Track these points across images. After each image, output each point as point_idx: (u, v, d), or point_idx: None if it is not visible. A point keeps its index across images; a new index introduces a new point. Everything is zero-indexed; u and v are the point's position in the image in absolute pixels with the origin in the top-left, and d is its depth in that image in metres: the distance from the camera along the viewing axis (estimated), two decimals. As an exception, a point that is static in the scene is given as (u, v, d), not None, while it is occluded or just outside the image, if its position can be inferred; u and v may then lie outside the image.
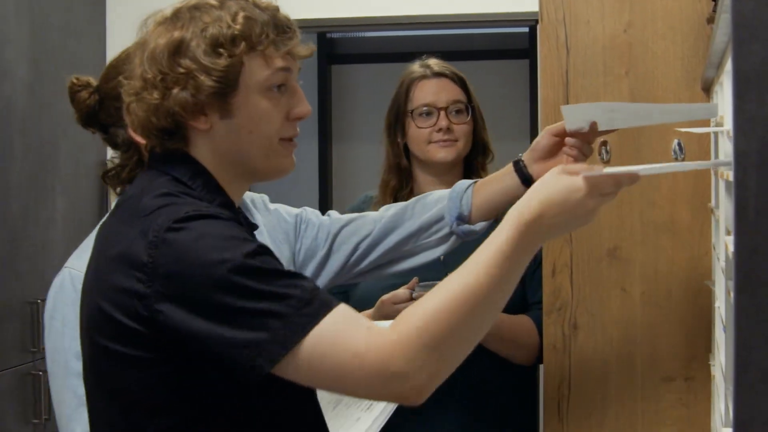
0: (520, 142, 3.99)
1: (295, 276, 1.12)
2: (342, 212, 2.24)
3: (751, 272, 0.90)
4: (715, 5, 1.60)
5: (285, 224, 1.74)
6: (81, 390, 1.48)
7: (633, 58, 2.01)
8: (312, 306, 1.08)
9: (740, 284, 0.91)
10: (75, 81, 1.64)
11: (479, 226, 1.66)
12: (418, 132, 2.04)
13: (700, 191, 1.99)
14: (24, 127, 2.61)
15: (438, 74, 2.05)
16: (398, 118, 2.08)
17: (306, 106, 1.26)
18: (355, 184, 4.35)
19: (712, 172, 1.91)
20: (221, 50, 1.18)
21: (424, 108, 2.04)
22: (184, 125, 1.21)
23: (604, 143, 2.02)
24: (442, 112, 2.02)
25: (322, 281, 1.70)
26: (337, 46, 4.34)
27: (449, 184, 2.07)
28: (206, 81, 1.17)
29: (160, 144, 1.23)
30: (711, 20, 1.79)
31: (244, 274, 1.09)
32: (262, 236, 1.68)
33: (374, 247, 1.69)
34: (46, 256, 2.66)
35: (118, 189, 1.64)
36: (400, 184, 2.09)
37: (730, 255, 1.07)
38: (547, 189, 1.12)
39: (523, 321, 2.01)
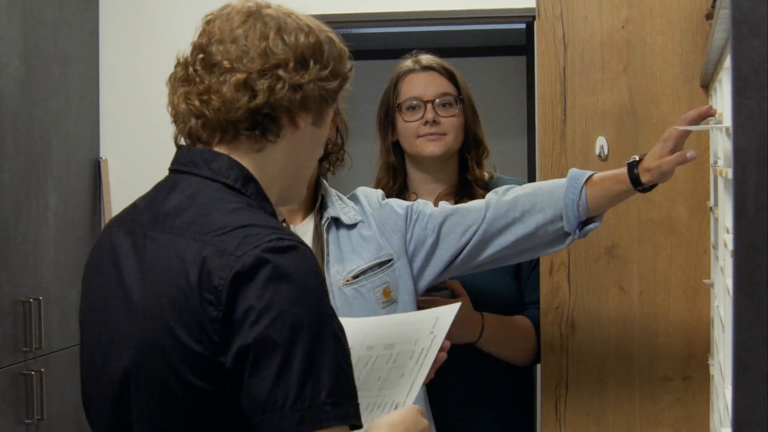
0: (516, 138, 3.98)
1: (348, 370, 1.09)
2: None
3: (751, 270, 0.90)
4: (714, 1, 1.58)
5: (395, 216, 1.79)
6: None
7: (631, 55, 1.99)
8: (339, 408, 1.06)
9: (739, 283, 0.90)
10: None
11: (599, 220, 1.71)
12: (405, 126, 2.02)
13: (698, 189, 1.98)
14: (16, 123, 2.59)
15: (426, 68, 2.03)
16: (388, 113, 2.06)
17: (322, 148, 1.30)
18: (349, 180, 4.33)
19: (711, 171, 1.89)
20: (347, 63, 1.26)
21: (411, 101, 2.02)
22: (289, 118, 1.20)
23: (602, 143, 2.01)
24: (429, 105, 2.00)
25: (433, 269, 1.77)
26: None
27: (442, 181, 2.06)
28: (333, 84, 1.22)
29: (259, 128, 1.18)
30: (710, 16, 1.78)
31: (339, 329, 1.09)
32: (371, 227, 1.75)
33: (489, 242, 1.75)
34: (38, 254, 2.64)
35: None
36: (391, 180, 2.07)
37: (729, 253, 1.05)
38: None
39: (521, 321, 2.00)
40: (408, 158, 2.07)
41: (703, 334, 1.97)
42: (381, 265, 1.73)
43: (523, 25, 3.67)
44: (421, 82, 2.02)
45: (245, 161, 1.19)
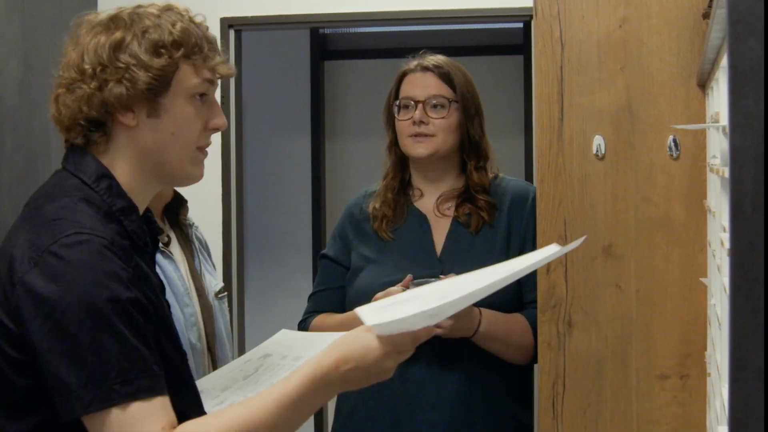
0: (514, 137, 3.98)
1: (136, 348, 1.18)
2: (337, 209, 2.24)
3: (747, 269, 0.90)
4: (711, 1, 1.59)
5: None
6: None
7: (628, 54, 2.00)
8: (127, 386, 1.17)
9: (736, 281, 0.91)
10: None
11: None
12: (399, 125, 2.06)
13: (695, 188, 1.99)
14: (14, 123, 2.59)
15: (424, 68, 2.05)
16: (390, 111, 2.09)
17: (222, 119, 1.35)
18: (348, 180, 4.34)
19: (708, 170, 1.90)
20: (162, 51, 1.28)
21: (406, 101, 2.04)
22: (111, 119, 1.29)
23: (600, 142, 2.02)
24: (420, 105, 2.02)
25: None
26: (330, 42, 4.33)
27: (434, 181, 2.08)
28: (143, 77, 1.27)
29: (83, 135, 1.29)
30: (706, 16, 1.78)
31: (116, 313, 1.18)
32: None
33: None
34: (37, 254, 2.65)
35: None
36: (396, 176, 2.10)
37: (726, 252, 1.06)
38: (346, 345, 1.24)
39: (518, 320, 2.01)
40: (408, 156, 2.09)
41: (699, 332, 1.98)
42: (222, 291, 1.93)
43: (520, 25, 3.68)
44: (416, 83, 2.05)
45: (105, 159, 1.30)
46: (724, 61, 1.41)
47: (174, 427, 1.19)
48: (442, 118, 2.02)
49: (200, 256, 1.88)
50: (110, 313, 1.17)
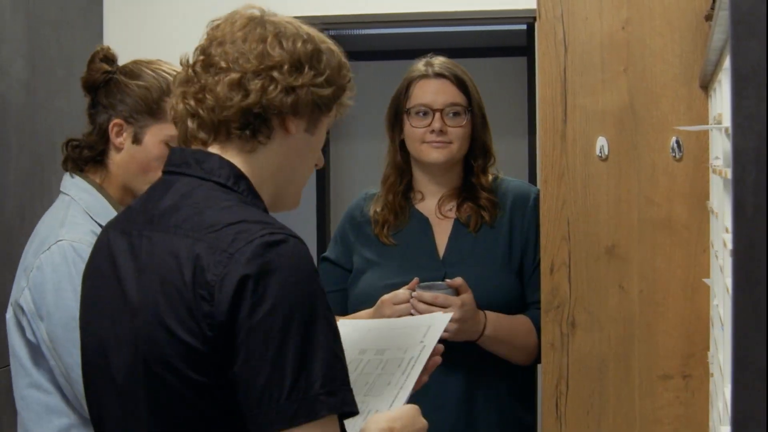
0: (517, 139, 3.99)
1: (338, 358, 1.11)
2: (341, 210, 2.24)
3: (749, 269, 0.91)
4: (714, 2, 1.59)
5: None
6: None
7: (631, 56, 2.01)
8: (334, 397, 1.08)
9: (738, 282, 0.91)
10: (104, 49, 1.76)
11: None
12: (412, 131, 2.04)
13: (697, 189, 1.99)
14: (20, 124, 2.60)
15: (438, 75, 2.04)
16: (397, 115, 2.08)
17: (322, 158, 1.32)
18: (353, 181, 4.34)
19: (710, 171, 1.90)
20: (344, 73, 1.28)
21: (421, 108, 2.03)
22: (280, 121, 1.22)
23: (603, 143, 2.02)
24: (438, 114, 2.01)
25: None
26: (336, 43, 4.33)
27: (443, 185, 2.08)
28: (328, 92, 1.24)
29: (249, 128, 1.20)
30: (709, 17, 1.79)
31: (330, 315, 1.11)
32: None
33: None
34: (42, 254, 2.66)
35: (72, 164, 1.73)
36: (398, 179, 2.09)
37: (728, 252, 1.06)
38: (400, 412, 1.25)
39: (522, 321, 2.01)
40: (413, 160, 2.09)
41: (702, 332, 1.99)
42: None
43: (523, 26, 3.68)
44: (432, 90, 2.03)
45: (237, 161, 1.21)
46: (726, 63, 1.42)
47: None
48: (460, 126, 2.03)
49: None
50: (318, 317, 1.09)
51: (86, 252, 1.53)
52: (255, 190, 1.22)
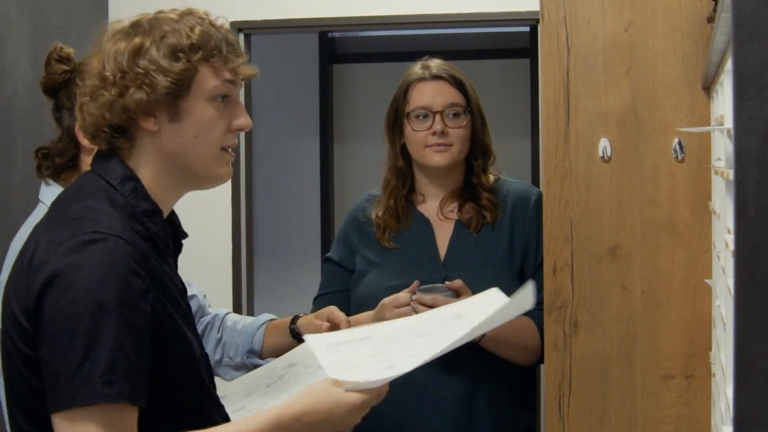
0: (520, 140, 3.99)
1: (126, 354, 1.18)
2: (345, 211, 2.25)
3: (752, 270, 0.91)
4: (716, 4, 1.60)
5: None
6: None
7: (633, 57, 2.02)
8: (110, 387, 1.16)
9: (740, 282, 0.91)
10: (58, 49, 1.74)
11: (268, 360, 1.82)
12: (414, 135, 2.05)
13: (700, 190, 2.00)
14: (25, 125, 2.61)
15: (436, 77, 2.05)
16: (396, 119, 2.08)
17: (246, 119, 1.36)
18: (356, 183, 4.35)
19: (712, 172, 1.91)
20: (180, 55, 1.29)
21: (420, 111, 2.04)
22: (133, 125, 1.30)
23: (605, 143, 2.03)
24: (438, 116, 2.02)
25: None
26: (338, 46, 4.34)
27: (445, 186, 2.08)
28: (162, 81, 1.28)
29: (107, 141, 1.31)
30: (711, 19, 1.80)
31: (118, 315, 1.19)
32: None
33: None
34: (47, 255, 2.67)
35: (46, 172, 1.75)
36: (400, 183, 2.10)
37: (731, 253, 1.07)
38: (313, 398, 1.28)
39: (524, 322, 2.02)
40: (414, 163, 2.10)
41: (704, 333, 1.99)
42: None
43: (527, 28, 3.69)
44: (431, 92, 2.04)
45: (130, 164, 1.32)
46: (728, 65, 1.42)
47: None
48: (460, 127, 2.03)
49: None
50: (112, 313, 1.17)
51: None
52: (144, 190, 1.30)
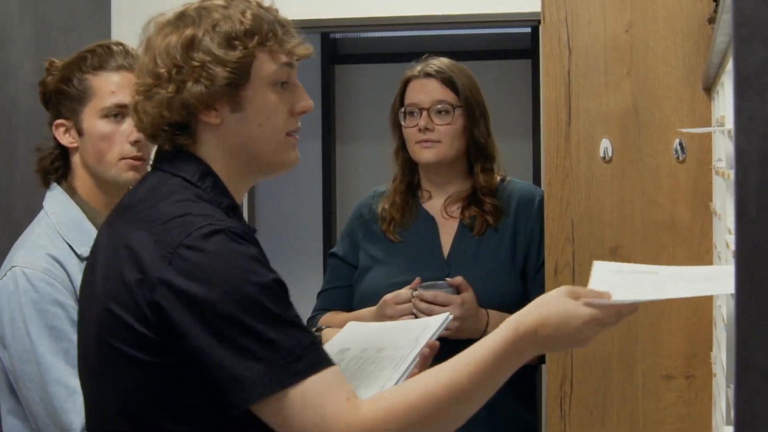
0: (522, 140, 4.00)
1: (294, 325, 1.15)
2: (347, 212, 2.26)
3: (752, 271, 0.91)
4: (716, 5, 1.61)
5: None
6: (70, 381, 1.51)
7: (634, 58, 2.02)
8: (299, 363, 1.13)
9: (741, 282, 0.91)
10: (50, 63, 1.74)
11: None
12: (406, 132, 2.07)
13: (700, 190, 2.01)
14: (28, 126, 2.62)
15: (427, 74, 2.06)
16: (396, 116, 2.11)
17: (309, 100, 1.31)
18: (359, 183, 4.35)
19: (713, 172, 1.92)
20: (236, 43, 1.23)
21: (410, 108, 2.06)
22: (194, 120, 1.24)
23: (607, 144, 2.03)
24: (425, 112, 2.04)
25: None
26: (340, 47, 4.35)
27: (445, 185, 2.10)
28: (221, 72, 1.22)
29: (170, 140, 1.26)
30: (712, 20, 1.80)
31: (266, 296, 1.14)
32: None
33: None
34: (50, 255, 2.68)
35: (43, 179, 1.71)
36: (404, 179, 2.12)
37: (731, 254, 1.08)
38: (547, 308, 1.18)
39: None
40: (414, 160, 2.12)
41: (705, 333, 2.00)
42: None
43: (528, 29, 3.70)
44: (420, 89, 2.06)
45: (206, 153, 1.26)
46: (729, 65, 1.43)
47: (355, 396, 1.15)
48: (447, 124, 2.04)
49: None
50: (260, 296, 1.13)
51: (39, 279, 1.55)
52: (222, 185, 1.25)
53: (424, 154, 2.04)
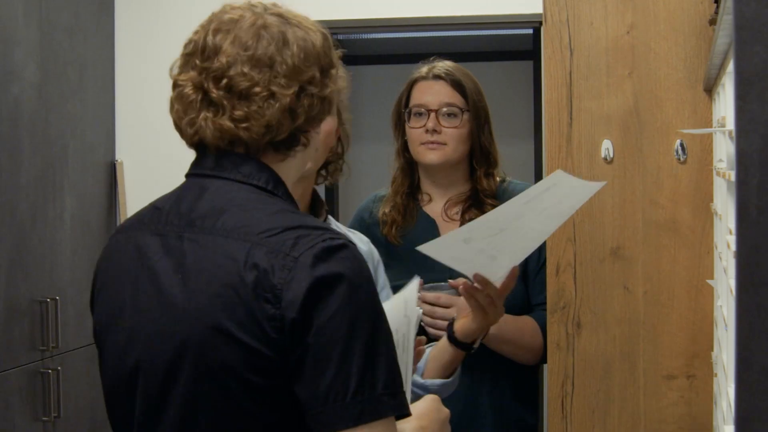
0: (524, 141, 4.01)
1: (396, 361, 1.12)
2: (351, 212, 2.26)
3: (753, 271, 0.91)
4: (717, 7, 1.62)
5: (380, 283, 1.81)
6: None
7: (636, 59, 2.03)
8: (395, 399, 1.10)
9: (742, 282, 0.92)
10: None
11: (429, 382, 1.76)
12: (410, 132, 2.07)
13: (701, 191, 2.01)
14: (32, 127, 2.63)
15: (436, 76, 2.06)
16: (399, 117, 2.11)
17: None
18: (361, 184, 4.36)
19: (714, 173, 1.92)
20: (328, 56, 1.25)
21: (418, 108, 2.06)
22: (314, 127, 1.24)
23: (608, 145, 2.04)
24: (432, 114, 2.04)
25: None
26: (344, 48, 4.35)
27: (447, 187, 2.10)
28: (331, 87, 1.23)
29: (288, 143, 1.20)
30: (713, 22, 1.81)
31: (383, 321, 1.12)
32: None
33: None
34: (54, 256, 2.68)
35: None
36: (406, 181, 2.12)
37: (732, 254, 1.08)
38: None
39: (527, 322, 2.03)
40: (416, 161, 2.12)
41: (706, 333, 2.00)
42: None
43: (530, 31, 3.70)
44: (429, 91, 2.05)
45: (282, 166, 1.21)
46: (730, 67, 1.44)
47: None
48: (455, 127, 2.04)
49: None
50: (379, 320, 1.10)
51: None
52: (290, 195, 1.21)
53: (428, 156, 2.04)
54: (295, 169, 1.23)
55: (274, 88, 1.17)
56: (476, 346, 1.82)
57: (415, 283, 1.50)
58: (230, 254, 1.12)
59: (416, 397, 1.50)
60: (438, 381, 1.76)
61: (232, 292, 1.10)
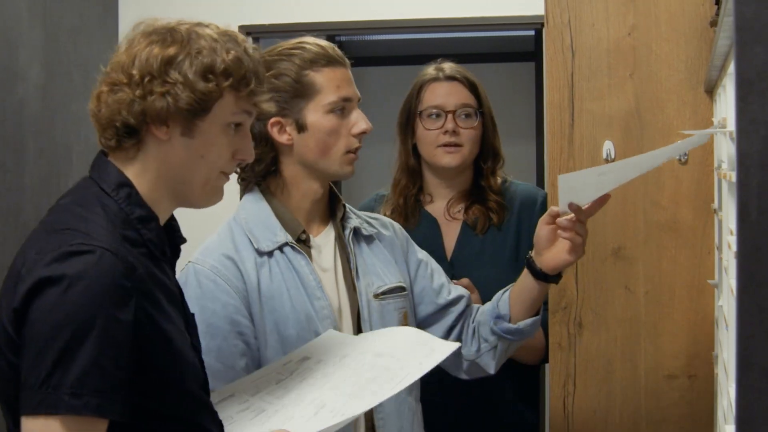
0: (526, 142, 4.01)
1: (103, 369, 1.17)
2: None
3: (754, 271, 0.91)
4: (718, 8, 1.62)
5: (415, 258, 1.80)
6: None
7: (637, 61, 2.04)
8: (77, 399, 1.16)
9: (743, 283, 0.92)
10: None
11: (522, 324, 1.72)
12: (426, 134, 2.06)
13: (702, 192, 2.02)
14: (37, 129, 2.64)
15: (450, 77, 2.07)
16: (409, 118, 2.10)
17: (251, 153, 1.37)
18: (364, 185, 4.37)
19: (715, 174, 1.93)
20: (210, 77, 1.29)
21: (433, 110, 2.06)
22: (145, 129, 1.30)
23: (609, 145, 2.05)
24: (450, 115, 2.04)
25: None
26: (346, 49, 4.33)
27: (454, 187, 2.10)
28: (187, 97, 1.28)
29: (116, 138, 1.31)
30: (714, 23, 1.82)
31: (100, 331, 1.18)
32: (393, 252, 1.75)
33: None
34: (57, 256, 2.69)
35: (250, 185, 1.69)
36: (410, 183, 2.12)
37: (733, 254, 1.09)
38: None
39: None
40: (424, 162, 2.12)
41: (707, 333, 2.01)
42: (401, 290, 1.72)
43: (532, 32, 3.71)
44: (444, 92, 2.06)
45: (127, 168, 1.30)
46: (730, 68, 1.44)
47: None
48: (471, 128, 2.05)
49: (359, 257, 1.72)
50: (91, 326, 1.16)
51: (205, 275, 1.60)
52: (138, 197, 1.29)
53: (446, 159, 2.04)
54: (151, 173, 1.32)
55: (108, 77, 1.30)
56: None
57: (452, 346, 1.52)
58: (26, 246, 1.26)
59: (508, 344, 1.65)
60: (529, 321, 1.72)
61: (9, 281, 1.24)
